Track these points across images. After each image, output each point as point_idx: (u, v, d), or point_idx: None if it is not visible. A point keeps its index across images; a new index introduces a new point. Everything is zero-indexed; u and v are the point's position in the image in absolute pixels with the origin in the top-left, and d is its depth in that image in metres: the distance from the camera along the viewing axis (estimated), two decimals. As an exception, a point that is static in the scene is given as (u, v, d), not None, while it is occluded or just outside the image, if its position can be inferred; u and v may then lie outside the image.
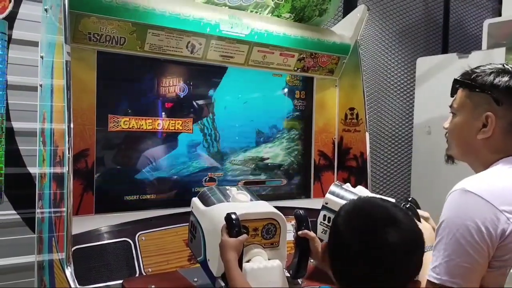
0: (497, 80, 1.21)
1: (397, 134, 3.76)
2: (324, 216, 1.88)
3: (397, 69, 3.73)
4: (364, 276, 0.98)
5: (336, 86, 2.58)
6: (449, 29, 4.05)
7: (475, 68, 1.28)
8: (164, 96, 2.13)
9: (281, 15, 2.32)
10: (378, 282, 0.98)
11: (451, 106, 1.33)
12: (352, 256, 0.99)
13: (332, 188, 1.92)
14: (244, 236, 1.41)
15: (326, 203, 1.88)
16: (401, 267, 0.98)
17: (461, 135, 1.29)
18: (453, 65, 3.05)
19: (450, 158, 1.37)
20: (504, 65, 1.26)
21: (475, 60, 2.92)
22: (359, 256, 0.98)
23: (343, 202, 1.81)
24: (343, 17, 2.84)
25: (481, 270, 1.09)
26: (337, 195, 1.87)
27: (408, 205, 1.57)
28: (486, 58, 2.98)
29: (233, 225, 1.40)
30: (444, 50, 3.96)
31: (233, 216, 1.41)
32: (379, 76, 3.60)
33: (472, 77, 1.26)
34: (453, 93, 1.32)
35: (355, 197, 1.80)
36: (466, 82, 1.27)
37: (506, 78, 1.21)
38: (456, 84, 1.30)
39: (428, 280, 1.10)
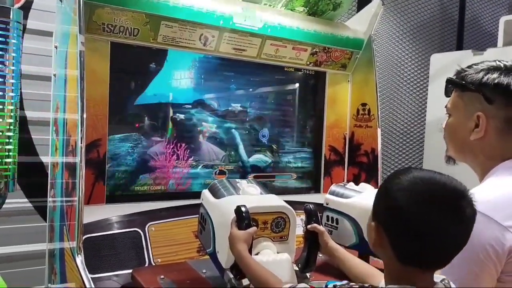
0: (486, 77, 1.18)
1: (409, 131, 3.73)
2: (327, 217, 1.88)
3: (410, 65, 3.69)
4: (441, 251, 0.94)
5: (348, 81, 2.57)
6: (464, 25, 3.99)
7: (468, 66, 1.25)
8: (175, 88, 2.13)
9: (294, 9, 2.31)
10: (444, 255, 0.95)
11: (446, 107, 1.31)
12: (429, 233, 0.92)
13: (332, 188, 1.93)
14: (253, 228, 1.41)
15: (327, 204, 1.89)
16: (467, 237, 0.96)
17: (455, 136, 1.28)
18: (468, 62, 2.97)
19: (450, 159, 1.36)
20: (497, 61, 1.21)
21: (491, 57, 2.87)
22: (441, 231, 0.91)
23: (344, 200, 1.82)
24: (357, 12, 2.82)
25: (489, 286, 1.08)
26: (337, 194, 1.87)
27: None
28: (501, 55, 2.92)
29: (243, 218, 1.40)
30: (459, 47, 3.91)
31: (243, 209, 1.41)
32: (392, 72, 3.57)
33: (462, 75, 1.23)
34: (448, 93, 1.30)
35: (357, 194, 1.81)
36: (456, 82, 1.25)
37: (495, 75, 1.17)
38: (449, 84, 1.28)
39: None
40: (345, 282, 1.04)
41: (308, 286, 1.11)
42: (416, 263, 0.95)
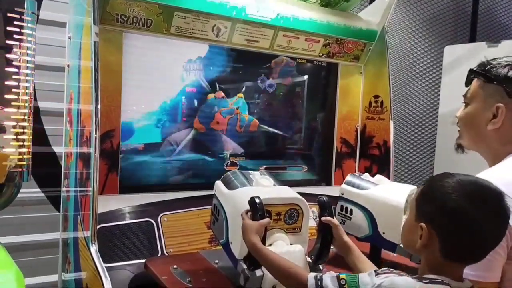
0: (511, 72, 1.23)
1: (422, 123, 3.71)
2: (342, 206, 1.88)
3: (423, 57, 3.66)
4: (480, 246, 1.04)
5: (361, 73, 2.55)
6: (478, 17, 3.94)
7: (492, 59, 1.29)
8: (187, 79, 2.13)
9: (307, 0, 2.29)
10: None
11: (464, 96, 1.35)
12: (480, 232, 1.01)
13: (348, 178, 1.92)
14: (267, 219, 1.40)
15: (342, 194, 1.88)
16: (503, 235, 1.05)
17: (471, 125, 1.32)
18: (482, 54, 2.96)
19: (460, 147, 1.39)
20: None
21: (505, 49, 2.84)
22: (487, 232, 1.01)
23: (359, 191, 1.82)
24: (370, 3, 2.79)
25: (501, 261, 1.12)
26: (353, 185, 1.86)
27: None
28: (516, 48, 2.89)
29: (257, 209, 1.40)
30: (472, 39, 3.87)
31: (257, 200, 1.41)
32: (405, 64, 3.54)
33: (487, 68, 1.27)
34: (468, 83, 1.34)
35: (373, 186, 1.80)
36: (481, 73, 1.28)
37: None
38: (471, 74, 1.32)
39: None
40: (385, 268, 1.11)
41: (335, 274, 1.12)
42: (460, 258, 1.04)
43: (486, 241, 1.03)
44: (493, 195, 1.02)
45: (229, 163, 2.26)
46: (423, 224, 1.05)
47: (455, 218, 1.01)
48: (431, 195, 1.07)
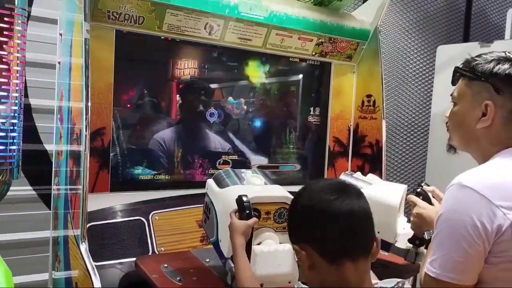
0: (497, 68, 1.18)
1: (414, 123, 3.72)
2: None
3: (416, 57, 3.66)
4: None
5: (354, 72, 2.55)
6: (471, 17, 3.95)
7: (477, 56, 1.25)
8: (179, 78, 2.12)
9: (300, -1, 2.29)
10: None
11: (452, 95, 1.31)
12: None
13: (341, 177, 1.92)
14: (254, 219, 1.40)
15: None
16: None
17: (461, 125, 1.28)
18: (475, 54, 2.97)
19: (451, 148, 1.36)
20: (506, 52, 1.22)
21: (498, 49, 2.84)
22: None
23: None
24: (363, 2, 2.79)
25: (477, 265, 1.08)
26: None
27: (419, 189, 1.58)
28: (509, 48, 2.89)
29: (244, 208, 1.40)
30: (465, 39, 3.88)
31: (244, 199, 1.40)
32: (398, 63, 3.54)
33: (472, 65, 1.23)
34: (455, 81, 1.30)
35: (366, 185, 1.80)
36: (466, 71, 1.24)
37: (506, 66, 1.18)
38: (457, 73, 1.28)
39: (425, 273, 1.11)
40: None
41: None
42: (343, 253, 1.04)
43: (350, 220, 1.05)
44: (331, 182, 1.11)
45: (221, 162, 2.26)
46: (295, 246, 1.07)
47: (307, 215, 1.06)
48: (290, 214, 1.15)
